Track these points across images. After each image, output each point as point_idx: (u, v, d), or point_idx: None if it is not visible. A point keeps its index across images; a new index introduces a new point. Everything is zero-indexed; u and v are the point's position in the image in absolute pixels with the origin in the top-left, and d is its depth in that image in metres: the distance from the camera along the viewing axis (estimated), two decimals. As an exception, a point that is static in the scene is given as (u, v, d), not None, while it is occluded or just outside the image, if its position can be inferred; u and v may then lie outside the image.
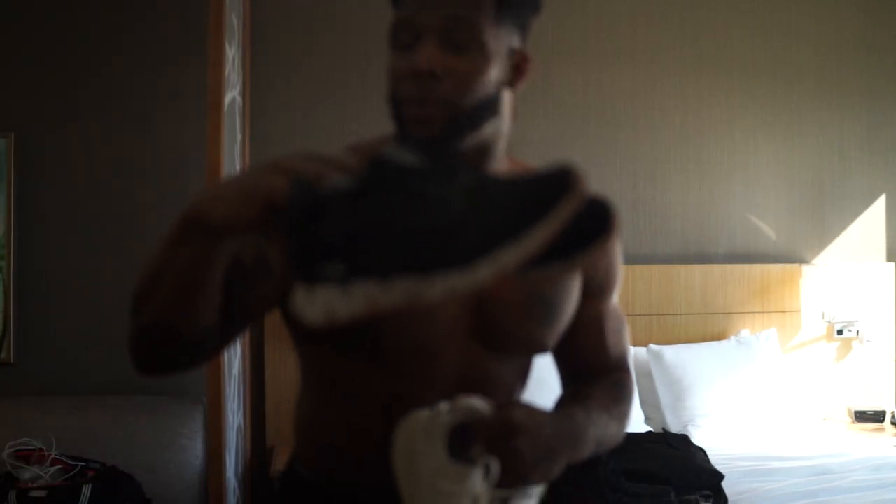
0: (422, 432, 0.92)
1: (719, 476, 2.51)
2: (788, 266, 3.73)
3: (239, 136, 3.05)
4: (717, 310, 3.64)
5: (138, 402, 3.01)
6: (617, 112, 3.67)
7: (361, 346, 1.02)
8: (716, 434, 3.16)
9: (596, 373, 1.20)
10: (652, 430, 3.20)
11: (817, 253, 3.84)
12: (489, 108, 1.01)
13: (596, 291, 1.17)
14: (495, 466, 0.92)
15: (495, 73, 1.00)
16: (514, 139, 3.73)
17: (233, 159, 2.89)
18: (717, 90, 3.75)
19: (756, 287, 3.68)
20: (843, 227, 3.87)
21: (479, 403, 0.96)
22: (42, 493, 2.33)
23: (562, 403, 1.15)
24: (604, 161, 3.65)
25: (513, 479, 0.94)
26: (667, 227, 3.71)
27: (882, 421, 3.48)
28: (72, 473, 2.44)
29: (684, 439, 2.82)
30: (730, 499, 2.46)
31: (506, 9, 1.00)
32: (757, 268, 3.70)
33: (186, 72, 3.17)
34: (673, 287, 3.60)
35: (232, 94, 2.81)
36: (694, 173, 3.74)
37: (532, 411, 1.02)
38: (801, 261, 3.81)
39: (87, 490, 2.41)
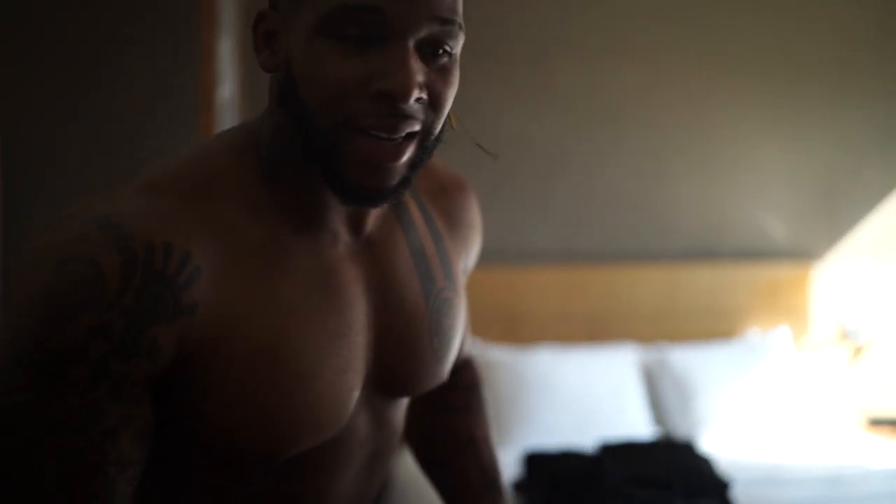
0: None
1: (726, 483, 2.45)
2: (798, 265, 3.66)
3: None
4: (725, 309, 3.57)
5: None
6: (622, 110, 3.61)
7: (278, 459, 0.78)
8: (724, 439, 3.09)
9: (456, 368, 1.06)
10: (658, 432, 3.14)
11: (828, 252, 3.76)
12: (441, 135, 0.77)
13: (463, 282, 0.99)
14: None
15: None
16: (518, 138, 3.65)
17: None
18: (725, 88, 3.68)
19: (765, 286, 3.61)
20: (854, 226, 3.79)
21: None
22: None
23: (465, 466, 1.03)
24: (609, 159, 3.58)
25: None
26: (673, 224, 3.64)
27: (897, 426, 3.41)
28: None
29: (689, 447, 2.76)
30: (739, 508, 2.39)
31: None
32: (765, 266, 3.63)
33: (185, 70, 3.11)
34: (679, 286, 3.54)
35: (226, 90, 2.74)
36: (701, 171, 3.67)
37: None
38: (812, 259, 3.73)
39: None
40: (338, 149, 0.72)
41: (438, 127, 0.75)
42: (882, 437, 3.33)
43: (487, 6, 3.43)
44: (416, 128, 0.72)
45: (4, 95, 3.11)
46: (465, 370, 1.11)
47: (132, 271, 0.68)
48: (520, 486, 2.57)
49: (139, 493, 0.74)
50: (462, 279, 0.98)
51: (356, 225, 0.82)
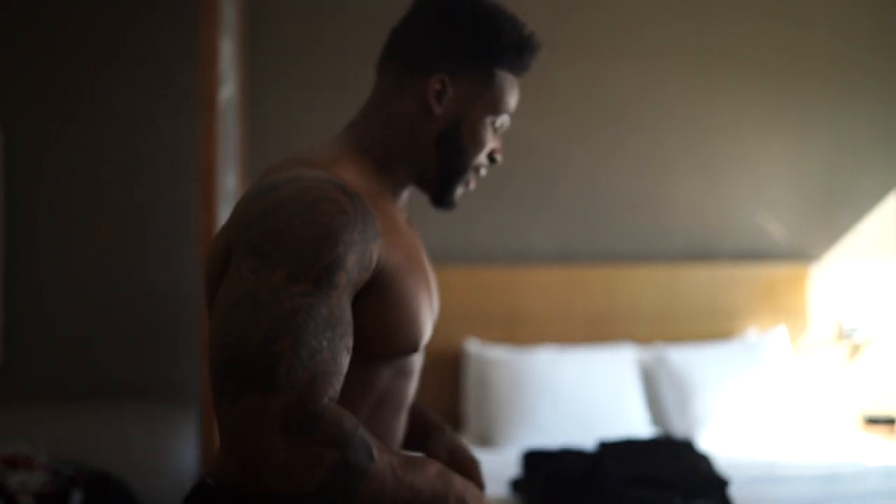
0: None
1: (725, 482, 2.46)
2: (797, 265, 3.67)
3: (236, 134, 2.99)
4: (724, 309, 3.58)
5: (131, 406, 2.96)
6: (623, 109, 3.62)
7: (404, 365, 1.16)
8: (722, 438, 3.11)
9: None
10: (657, 432, 3.15)
11: (827, 252, 3.77)
12: None
13: None
14: None
15: None
16: (518, 138, 3.67)
17: (228, 159, 2.84)
18: (726, 88, 3.69)
19: (764, 286, 3.62)
20: (853, 226, 3.80)
21: None
22: (30, 500, 2.28)
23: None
24: (609, 159, 3.60)
25: None
26: (673, 225, 3.65)
27: (894, 425, 3.41)
28: (61, 479, 2.38)
29: (688, 445, 2.76)
30: (737, 506, 2.40)
31: None
32: (764, 267, 3.64)
33: (184, 70, 3.13)
34: (679, 286, 3.55)
35: (227, 91, 2.76)
36: (700, 171, 3.68)
37: (453, 438, 1.36)
38: (810, 260, 3.74)
39: (77, 496, 2.36)
40: (466, 178, 1.20)
41: None
42: (878, 436, 3.35)
43: (487, 8, 3.45)
44: None
45: (7, 94, 3.12)
46: None
47: (356, 205, 1.00)
48: (518, 485, 2.58)
49: None
50: None
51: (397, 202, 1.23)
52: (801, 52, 3.76)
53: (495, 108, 1.17)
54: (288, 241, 0.95)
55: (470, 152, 1.18)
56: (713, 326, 3.56)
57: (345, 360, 0.97)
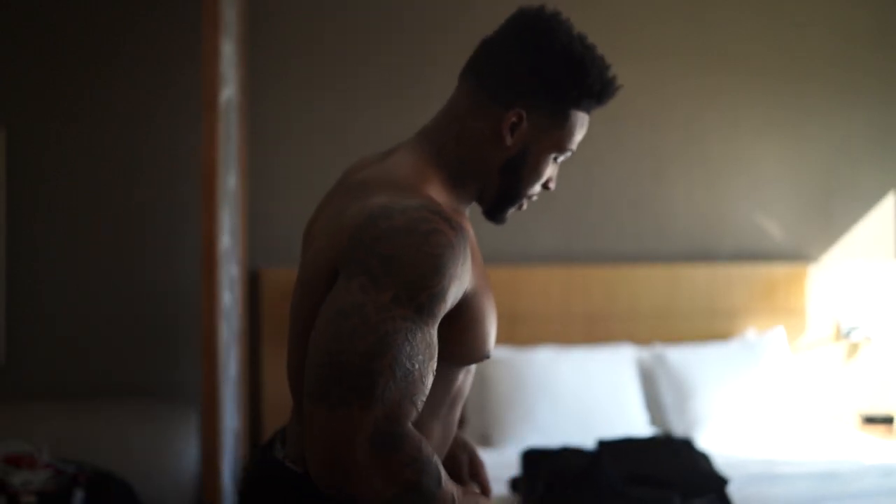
0: None
1: (724, 480, 2.47)
2: (795, 265, 3.68)
3: (236, 135, 3.00)
4: (722, 309, 3.59)
5: (132, 405, 2.97)
6: (621, 111, 3.61)
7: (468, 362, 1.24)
8: (721, 437, 3.12)
9: None
10: (656, 432, 3.16)
11: (824, 252, 3.79)
12: None
13: None
14: None
15: None
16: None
17: (230, 158, 2.84)
18: (723, 88, 3.70)
19: (762, 287, 3.63)
20: (851, 226, 3.82)
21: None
22: (33, 499, 2.29)
23: None
24: (608, 159, 3.61)
25: None
26: (671, 225, 3.66)
27: (891, 424, 3.43)
28: (63, 478, 2.39)
29: (687, 443, 2.78)
30: (735, 503, 2.42)
31: None
32: (762, 267, 3.65)
33: (184, 70, 3.13)
34: (678, 286, 3.56)
35: (228, 92, 2.77)
36: (699, 172, 3.69)
37: (466, 442, 1.49)
38: (808, 260, 3.76)
39: (79, 495, 2.37)
40: (513, 204, 1.27)
41: None
42: (876, 435, 3.37)
43: (486, 7, 3.45)
44: None
45: (10, 95, 3.13)
46: None
47: (460, 238, 1.07)
48: (517, 483, 2.59)
49: None
50: None
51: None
52: (799, 53, 3.77)
53: (562, 145, 1.24)
54: (399, 268, 1.03)
55: (528, 182, 1.24)
56: (712, 326, 3.57)
57: (430, 383, 1.06)
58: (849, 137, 3.82)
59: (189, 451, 2.82)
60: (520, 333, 3.37)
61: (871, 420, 3.46)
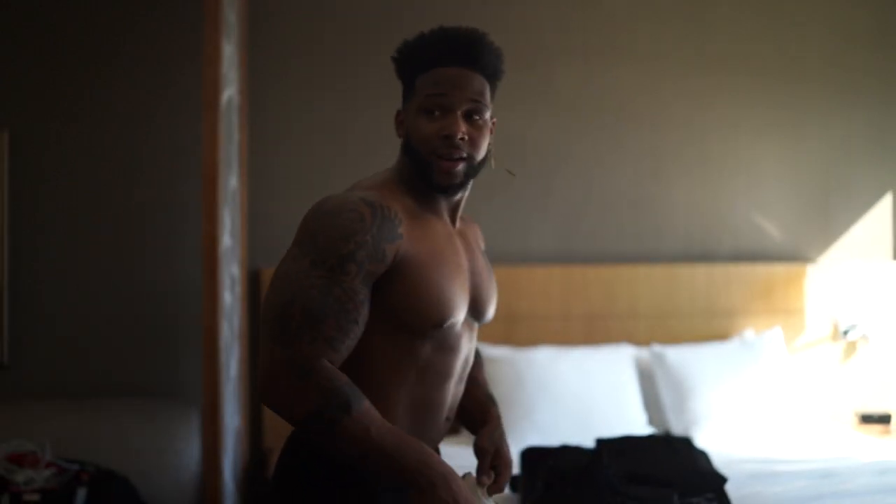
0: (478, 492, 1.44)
1: (723, 478, 2.49)
2: (793, 265, 3.70)
3: (237, 136, 3.01)
4: (721, 310, 3.61)
5: (134, 404, 2.98)
6: (620, 111, 3.64)
7: (427, 332, 1.39)
8: (719, 436, 3.14)
9: None
10: (655, 431, 3.17)
11: (822, 252, 3.80)
12: (484, 162, 1.45)
13: None
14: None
15: (488, 138, 1.45)
16: (515, 138, 3.67)
17: (230, 159, 2.85)
18: (722, 89, 3.71)
19: (760, 287, 3.64)
20: (848, 226, 3.83)
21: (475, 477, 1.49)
22: (36, 497, 2.30)
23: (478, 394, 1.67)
24: (607, 160, 3.62)
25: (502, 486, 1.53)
26: (670, 225, 3.68)
27: (888, 423, 3.44)
28: (66, 477, 2.40)
29: (687, 441, 2.79)
30: (734, 502, 2.43)
31: (492, 96, 1.45)
32: (761, 267, 3.66)
33: (185, 70, 3.14)
34: (676, 287, 3.58)
35: (229, 92, 2.78)
36: (698, 172, 3.71)
37: (501, 437, 1.59)
38: (806, 260, 3.77)
39: (81, 493, 2.38)
40: (431, 167, 1.39)
41: (477, 158, 1.42)
42: (873, 434, 3.38)
43: (485, 7, 3.47)
44: (464, 155, 1.39)
45: (12, 96, 3.14)
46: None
47: (375, 215, 1.31)
48: (516, 482, 2.60)
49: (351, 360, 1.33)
50: None
51: (452, 218, 1.50)
52: (798, 54, 3.78)
53: (423, 104, 1.40)
54: (316, 239, 1.29)
55: (420, 144, 1.40)
56: (711, 326, 3.59)
57: (353, 330, 1.29)
58: (847, 138, 3.84)
59: (190, 450, 2.83)
60: (519, 333, 3.39)
61: (868, 419, 3.47)
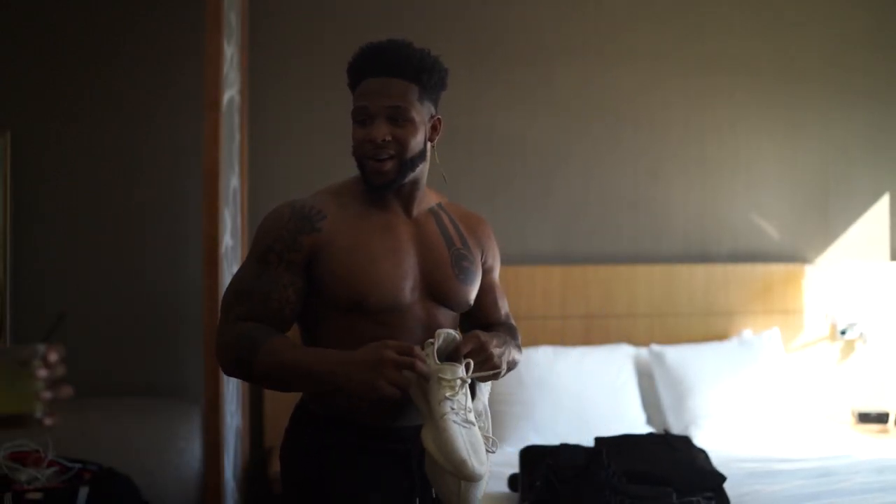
0: (429, 350, 1.50)
1: (721, 477, 2.50)
2: (791, 266, 3.71)
3: (237, 136, 3.02)
4: (720, 310, 3.62)
5: (136, 403, 2.99)
6: (619, 112, 3.65)
7: (364, 310, 1.57)
8: (718, 435, 3.15)
9: (493, 323, 1.81)
10: (653, 431, 3.18)
11: (821, 253, 3.81)
12: (420, 157, 1.62)
13: (487, 269, 1.80)
14: (473, 363, 1.53)
15: (421, 134, 1.60)
16: (515, 138, 3.67)
17: (231, 159, 2.86)
18: (720, 89, 3.73)
19: (759, 287, 3.66)
20: (846, 227, 3.84)
21: (453, 332, 1.56)
22: (38, 496, 2.31)
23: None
24: (606, 160, 3.63)
25: (487, 366, 1.58)
26: (669, 226, 3.69)
27: (886, 422, 3.46)
28: (68, 475, 2.41)
29: (686, 440, 2.80)
30: (732, 500, 2.44)
31: (424, 95, 1.60)
32: (760, 267, 3.68)
33: (185, 70, 3.15)
34: (675, 287, 3.59)
35: (230, 93, 2.79)
36: (696, 172, 3.72)
37: (485, 332, 1.63)
38: (805, 260, 3.79)
39: (83, 492, 2.39)
40: (364, 168, 1.61)
41: (407, 154, 1.58)
42: (870, 432, 3.39)
43: (485, 7, 3.48)
44: (391, 153, 1.57)
45: (14, 96, 3.14)
46: (503, 324, 1.82)
47: (293, 214, 1.59)
48: (515, 480, 2.61)
49: (305, 334, 1.66)
50: (482, 263, 1.79)
51: (406, 210, 1.67)
52: (796, 54, 3.79)
53: (353, 113, 1.61)
54: (255, 237, 1.62)
55: (354, 153, 1.62)
56: (709, 326, 3.60)
57: (278, 307, 1.56)
58: (846, 138, 3.85)
59: (192, 449, 2.84)
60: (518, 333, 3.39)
61: (865, 418, 3.48)
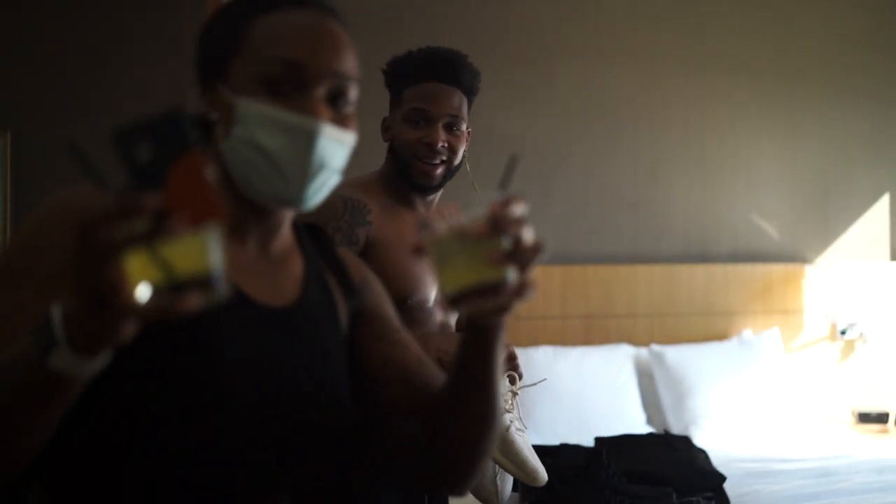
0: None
1: (721, 477, 2.50)
2: (791, 266, 3.71)
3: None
4: (720, 310, 3.62)
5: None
6: (619, 112, 3.65)
7: (404, 307, 1.55)
8: (718, 435, 3.14)
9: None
10: (653, 431, 3.18)
11: (821, 253, 3.81)
12: (459, 167, 1.65)
13: None
14: (516, 374, 1.64)
15: (465, 145, 1.65)
16: (515, 138, 3.66)
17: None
18: (720, 89, 3.72)
19: (759, 287, 3.65)
20: (846, 227, 3.84)
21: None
22: (37, 496, 2.30)
23: None
24: (606, 160, 3.63)
25: (517, 371, 1.66)
26: (669, 226, 3.68)
27: (886, 422, 3.46)
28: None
29: (686, 440, 2.80)
30: (732, 500, 2.44)
31: (469, 108, 1.65)
32: (760, 267, 3.67)
33: (186, 70, 3.15)
34: (675, 287, 3.58)
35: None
36: (696, 172, 3.71)
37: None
38: (804, 260, 3.78)
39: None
40: (411, 168, 1.61)
41: (455, 162, 1.62)
42: (870, 432, 3.39)
43: (485, 7, 3.48)
44: (444, 159, 1.60)
45: (14, 94, 3.14)
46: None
47: (346, 206, 1.57)
48: (515, 480, 2.60)
49: None
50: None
51: (427, 210, 1.69)
52: (796, 54, 3.79)
53: (406, 113, 1.61)
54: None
55: (402, 152, 1.61)
56: (709, 326, 3.59)
57: None
58: (846, 139, 3.85)
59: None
60: (518, 333, 3.38)
61: (865, 417, 3.48)
